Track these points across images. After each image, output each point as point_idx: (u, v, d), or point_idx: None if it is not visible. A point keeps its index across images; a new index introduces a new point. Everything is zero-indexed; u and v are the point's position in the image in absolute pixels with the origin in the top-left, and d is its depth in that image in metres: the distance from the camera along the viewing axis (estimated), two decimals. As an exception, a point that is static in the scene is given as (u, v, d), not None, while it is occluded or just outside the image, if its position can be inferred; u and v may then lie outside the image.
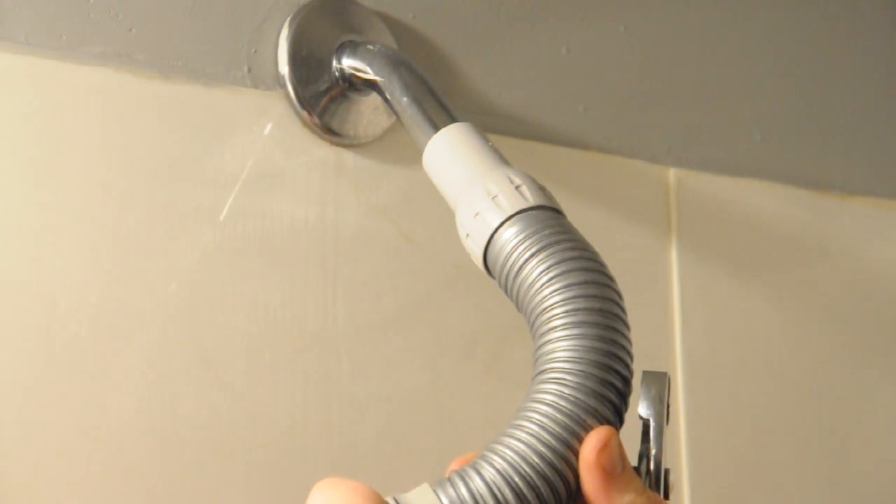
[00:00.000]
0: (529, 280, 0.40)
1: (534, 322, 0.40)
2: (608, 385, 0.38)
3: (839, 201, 0.80)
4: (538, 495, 0.36)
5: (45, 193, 0.50)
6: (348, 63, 0.57)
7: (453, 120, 0.49)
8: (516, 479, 0.36)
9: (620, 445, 0.37)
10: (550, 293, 0.39)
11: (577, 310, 0.38)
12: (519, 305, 0.41)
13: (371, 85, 0.55)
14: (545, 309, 0.39)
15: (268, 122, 0.57)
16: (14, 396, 0.48)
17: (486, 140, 0.48)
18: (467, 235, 0.43)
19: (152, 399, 0.52)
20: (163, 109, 0.54)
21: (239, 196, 0.55)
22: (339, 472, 0.56)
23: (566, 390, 0.37)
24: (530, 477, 0.36)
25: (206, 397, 0.53)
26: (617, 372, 0.38)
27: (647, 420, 0.39)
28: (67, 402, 0.49)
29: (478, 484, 0.36)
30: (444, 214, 0.48)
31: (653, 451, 0.39)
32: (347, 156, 0.59)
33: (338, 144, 0.59)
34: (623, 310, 0.40)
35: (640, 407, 0.39)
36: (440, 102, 0.51)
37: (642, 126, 0.72)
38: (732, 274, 0.74)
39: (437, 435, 0.60)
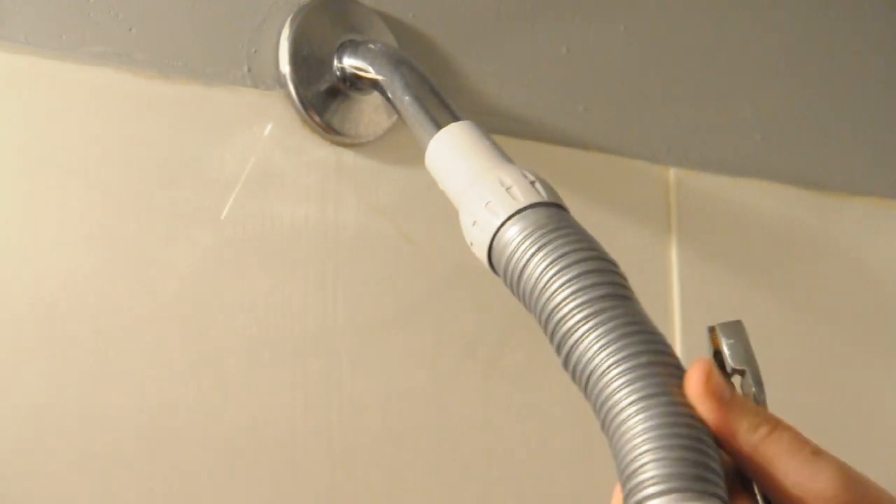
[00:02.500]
0: (536, 275, 0.39)
1: (546, 320, 0.39)
2: (665, 353, 0.37)
3: (840, 201, 0.80)
4: (704, 441, 0.34)
5: (46, 193, 0.50)
6: (349, 62, 0.57)
7: (455, 118, 0.49)
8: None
9: (720, 374, 0.36)
10: (559, 288, 0.38)
11: (597, 305, 0.38)
12: (526, 302, 0.40)
13: (372, 84, 0.55)
14: (556, 307, 0.38)
15: (268, 122, 0.57)
16: (14, 396, 0.48)
17: (489, 138, 0.47)
18: (471, 232, 0.43)
19: (152, 399, 0.51)
20: (163, 109, 0.54)
21: (239, 196, 0.55)
22: (340, 473, 0.56)
23: (633, 375, 0.35)
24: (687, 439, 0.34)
25: (206, 397, 0.53)
26: (664, 343, 0.37)
27: (743, 370, 0.37)
28: (67, 402, 0.49)
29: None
30: (444, 214, 0.48)
31: (763, 397, 0.37)
32: (348, 155, 0.59)
33: (338, 144, 0.59)
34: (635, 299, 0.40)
35: (730, 358, 0.37)
36: (442, 101, 0.51)
37: (642, 126, 0.72)
38: (732, 274, 0.74)
39: (437, 435, 0.60)
